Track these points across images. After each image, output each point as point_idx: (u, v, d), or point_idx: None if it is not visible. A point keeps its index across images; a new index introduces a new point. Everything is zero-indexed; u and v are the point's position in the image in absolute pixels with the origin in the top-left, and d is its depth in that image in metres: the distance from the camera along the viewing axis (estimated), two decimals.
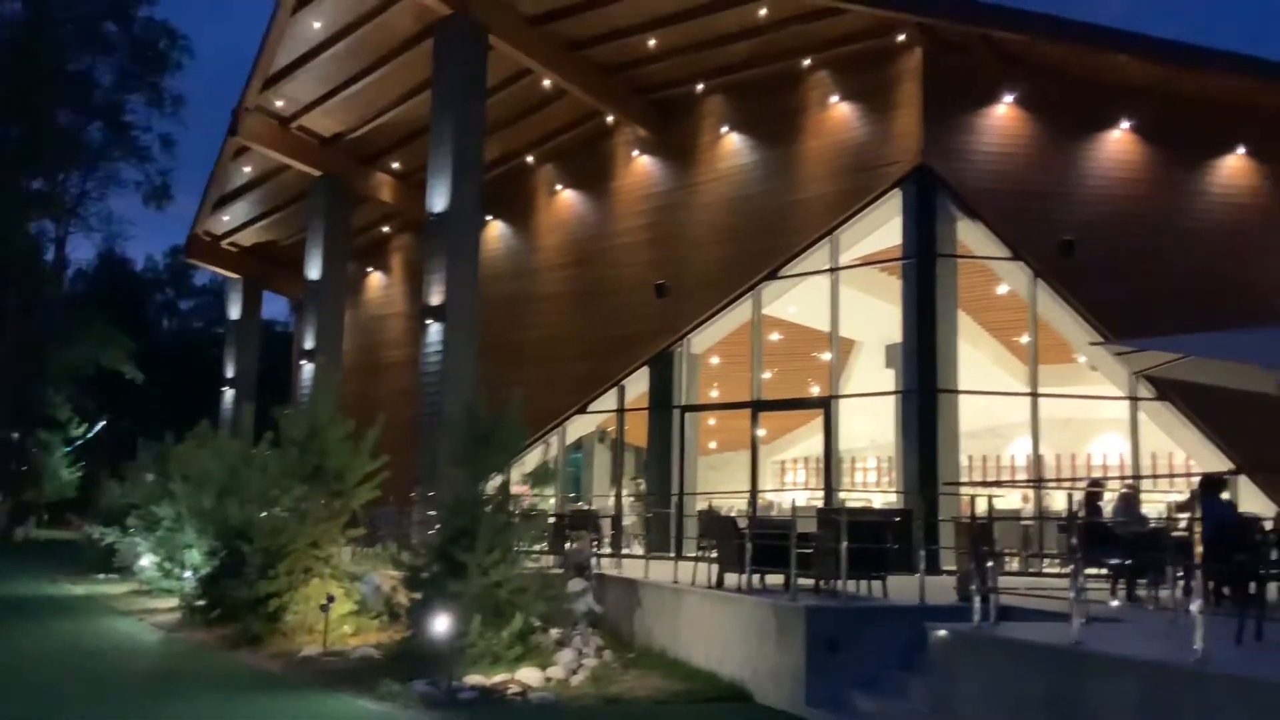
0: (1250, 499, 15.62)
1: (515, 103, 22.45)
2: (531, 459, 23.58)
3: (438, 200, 19.56)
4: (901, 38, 17.94)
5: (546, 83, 21.66)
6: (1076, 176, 17.59)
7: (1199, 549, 8.07)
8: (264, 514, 15.33)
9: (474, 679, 10.85)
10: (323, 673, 11.89)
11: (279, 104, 24.45)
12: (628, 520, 21.67)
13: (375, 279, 29.15)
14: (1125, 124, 17.58)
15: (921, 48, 17.77)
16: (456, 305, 19.13)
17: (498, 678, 10.97)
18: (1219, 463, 16.26)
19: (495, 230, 24.77)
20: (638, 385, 21.52)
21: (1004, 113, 17.76)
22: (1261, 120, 17.56)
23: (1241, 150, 17.69)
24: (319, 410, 15.67)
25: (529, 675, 11.06)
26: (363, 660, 12.44)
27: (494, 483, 12.85)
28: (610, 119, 22.45)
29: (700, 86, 21.04)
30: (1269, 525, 11.18)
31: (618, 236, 22.36)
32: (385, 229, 28.76)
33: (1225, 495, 12.27)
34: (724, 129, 20.76)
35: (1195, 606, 6.67)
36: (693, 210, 21.02)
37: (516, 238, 24.61)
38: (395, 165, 26.32)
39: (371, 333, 28.54)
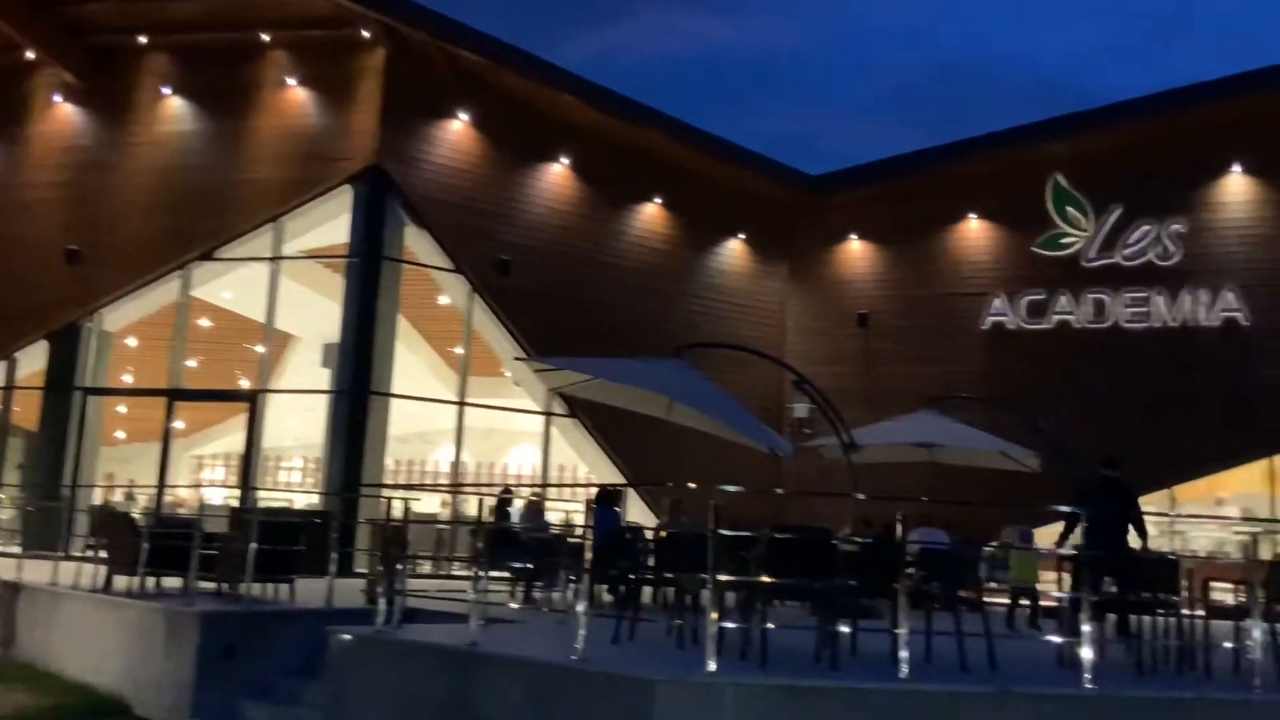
0: (637, 511, 17.46)
1: None
2: None
3: None
4: (366, 34, 17.76)
5: None
6: (519, 201, 18.58)
7: (589, 555, 8.76)
8: None
9: None
10: None
11: None
12: (4, 514, 18.91)
13: None
14: (565, 160, 18.93)
15: (385, 49, 17.75)
16: None
17: None
18: (616, 476, 18.01)
19: None
20: (33, 361, 18.91)
21: (460, 129, 18.27)
22: (675, 175, 19.84)
23: (658, 200, 19.84)
24: None
25: None
26: None
27: None
28: (30, 55, 19.58)
29: (144, 39, 19.11)
30: (649, 534, 12.52)
31: (24, 189, 19.51)
32: None
33: (617, 507, 13.56)
34: (166, 90, 19.03)
35: (581, 608, 7.19)
36: (121, 173, 18.99)
37: None
38: None
39: None
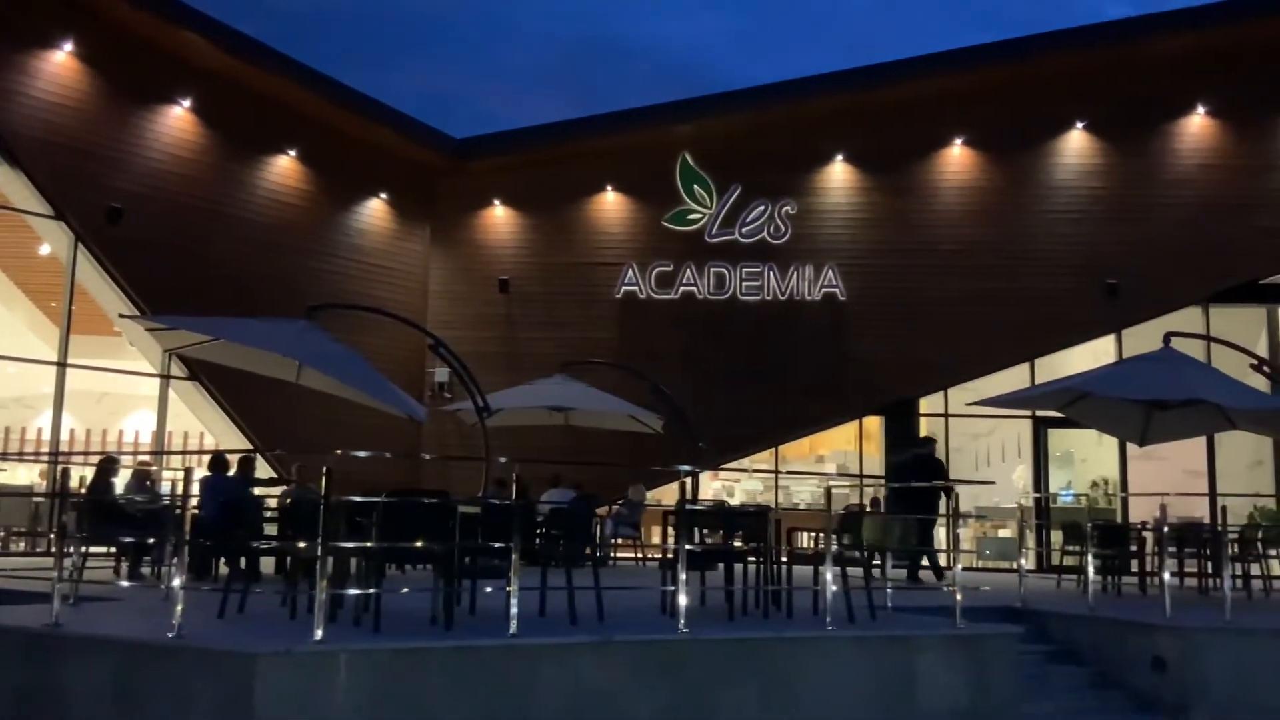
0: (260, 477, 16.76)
1: None
2: None
3: None
4: None
5: None
6: (132, 145, 17.01)
7: (194, 527, 8.32)
8: None
9: None
10: None
11: None
12: None
13: None
14: (187, 103, 17.58)
15: None
16: None
17: None
18: (241, 442, 17.14)
19: None
20: None
21: (64, 61, 16.45)
22: (312, 129, 18.99)
23: (293, 153, 18.91)
24: None
25: None
26: None
27: None
28: None
29: None
30: (273, 503, 12.09)
31: None
32: None
33: (247, 474, 12.96)
34: None
35: (178, 582, 6.81)
36: None
37: None
38: None
39: None
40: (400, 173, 20.31)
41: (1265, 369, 14.45)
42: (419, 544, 7.70)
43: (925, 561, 13.88)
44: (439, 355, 15.16)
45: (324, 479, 6.78)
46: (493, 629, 7.10)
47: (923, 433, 19.60)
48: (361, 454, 7.95)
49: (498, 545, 7.57)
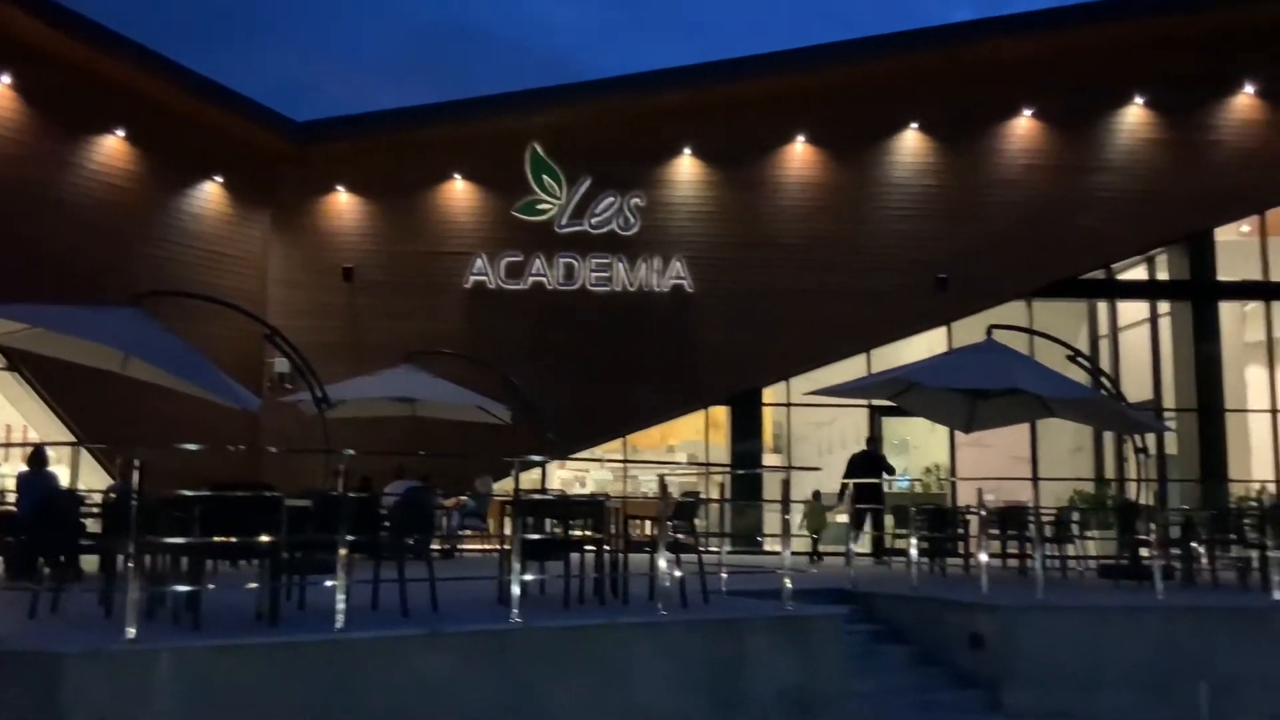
0: (91, 473, 16.03)
1: None
2: None
3: None
4: None
5: None
6: None
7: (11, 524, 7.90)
8: None
9: None
10: None
11: None
12: None
13: None
14: (6, 79, 16.56)
15: None
16: None
17: None
18: (64, 435, 16.33)
19: None
20: None
21: None
22: (143, 109, 18.16)
23: (121, 133, 18.06)
24: None
25: None
26: None
27: None
28: None
29: None
30: (98, 497, 11.56)
31: None
32: None
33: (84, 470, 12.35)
34: None
35: None
36: None
37: None
38: None
39: None
40: (238, 156, 19.61)
41: (1082, 361, 15.29)
42: (244, 539, 7.47)
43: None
44: (274, 345, 14.71)
45: (136, 473, 6.55)
46: (320, 624, 6.97)
47: (765, 423, 20.20)
48: (191, 447, 7.68)
49: (328, 539, 7.43)
